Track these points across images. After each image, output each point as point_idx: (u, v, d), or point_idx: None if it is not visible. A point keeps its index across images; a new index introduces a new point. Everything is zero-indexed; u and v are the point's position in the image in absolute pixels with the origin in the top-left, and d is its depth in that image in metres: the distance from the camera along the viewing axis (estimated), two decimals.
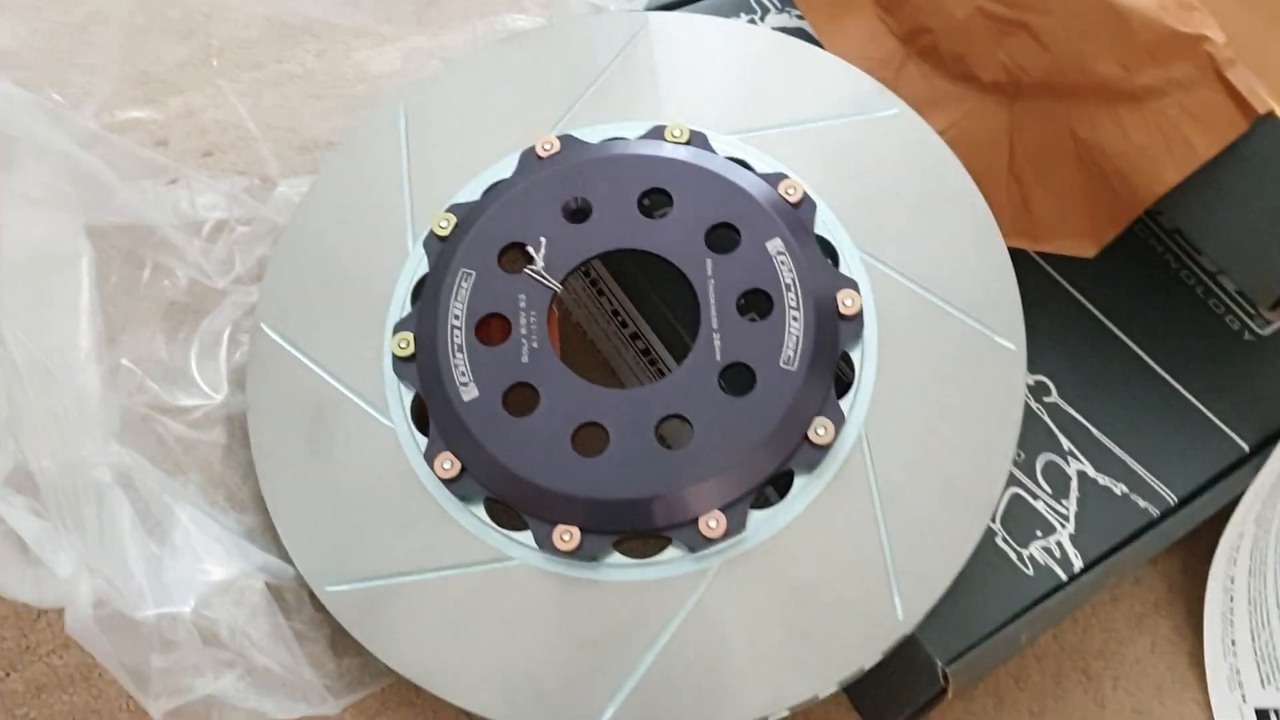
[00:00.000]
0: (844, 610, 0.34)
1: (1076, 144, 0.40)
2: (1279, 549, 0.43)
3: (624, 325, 0.42)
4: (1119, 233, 0.40)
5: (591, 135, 0.39)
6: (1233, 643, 0.43)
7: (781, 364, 0.35)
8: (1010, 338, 0.37)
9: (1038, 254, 0.44)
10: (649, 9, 0.47)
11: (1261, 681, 0.42)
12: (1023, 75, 0.40)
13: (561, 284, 0.37)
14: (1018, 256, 0.43)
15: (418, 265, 0.38)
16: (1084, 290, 0.44)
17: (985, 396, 0.36)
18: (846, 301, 0.36)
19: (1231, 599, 0.43)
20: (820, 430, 0.35)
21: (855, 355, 0.36)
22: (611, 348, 0.44)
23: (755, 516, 0.35)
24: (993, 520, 0.39)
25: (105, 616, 0.28)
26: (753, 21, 0.48)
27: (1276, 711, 0.42)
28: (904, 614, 0.34)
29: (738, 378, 0.36)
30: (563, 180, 0.38)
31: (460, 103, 0.41)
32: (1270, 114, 0.37)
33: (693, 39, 0.41)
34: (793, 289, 0.36)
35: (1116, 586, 0.44)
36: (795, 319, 0.36)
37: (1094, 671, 0.42)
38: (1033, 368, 0.42)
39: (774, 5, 0.48)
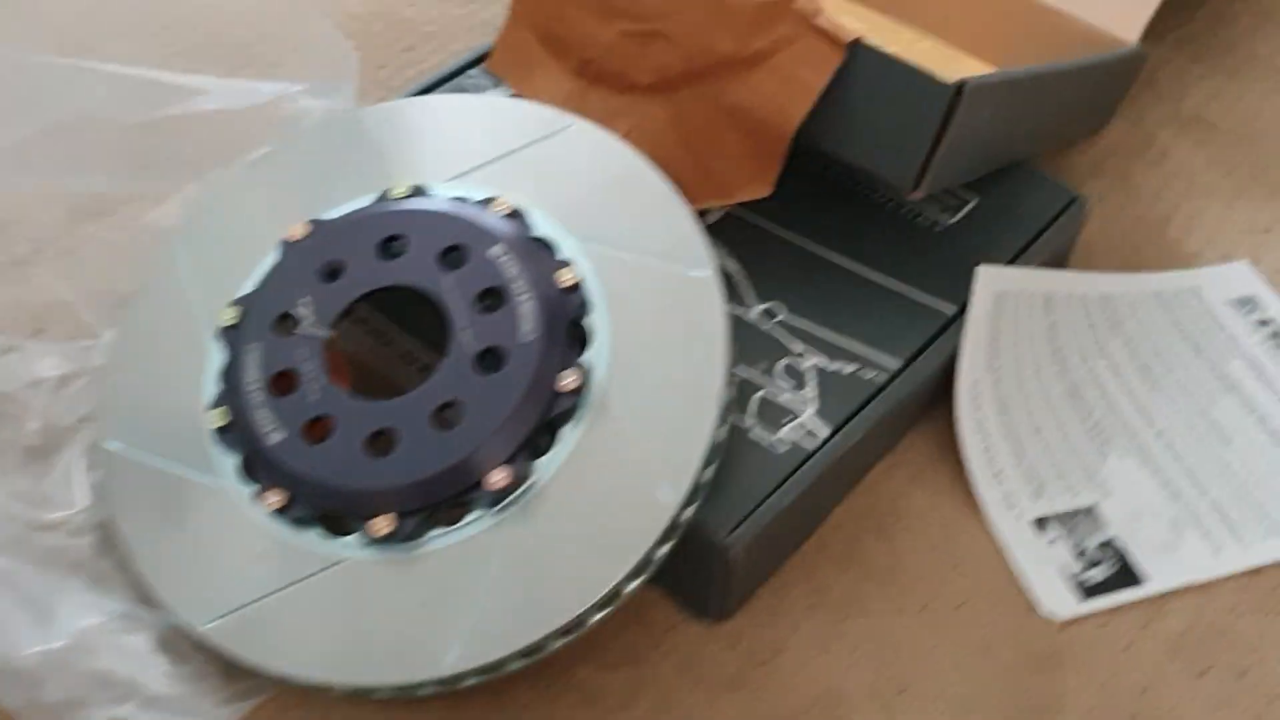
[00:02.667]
0: (623, 513, 0.40)
1: (726, 112, 0.48)
2: (1018, 386, 0.50)
3: (411, 361, 0.49)
4: (780, 169, 0.48)
5: (334, 213, 0.47)
6: (999, 472, 0.49)
7: (522, 339, 0.42)
8: (701, 269, 0.44)
9: (753, 211, 0.52)
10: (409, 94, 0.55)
11: (1033, 497, 0.48)
12: (669, 72, 0.49)
13: (332, 330, 0.44)
14: (737, 221, 0.51)
15: (219, 355, 0.45)
16: (798, 230, 0.52)
17: (694, 317, 0.43)
18: (565, 278, 0.43)
19: (988, 436, 0.50)
20: (567, 381, 0.42)
21: (590, 318, 0.43)
22: (406, 379, 0.51)
23: (539, 464, 0.41)
24: (744, 417, 0.45)
25: None
26: None
27: (1051, 514, 0.48)
28: (668, 499, 0.40)
29: (491, 359, 0.42)
30: (316, 252, 0.45)
31: (224, 222, 0.48)
32: (856, 40, 0.46)
33: (402, 118, 0.49)
34: (518, 279, 0.43)
35: (891, 455, 0.50)
36: (525, 302, 0.43)
37: (886, 526, 0.48)
38: (762, 297, 0.49)
39: (490, 84, 0.57)
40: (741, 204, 0.52)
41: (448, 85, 0.56)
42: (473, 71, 0.57)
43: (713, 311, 0.43)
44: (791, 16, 0.46)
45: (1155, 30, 0.69)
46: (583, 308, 0.43)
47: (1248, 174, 0.62)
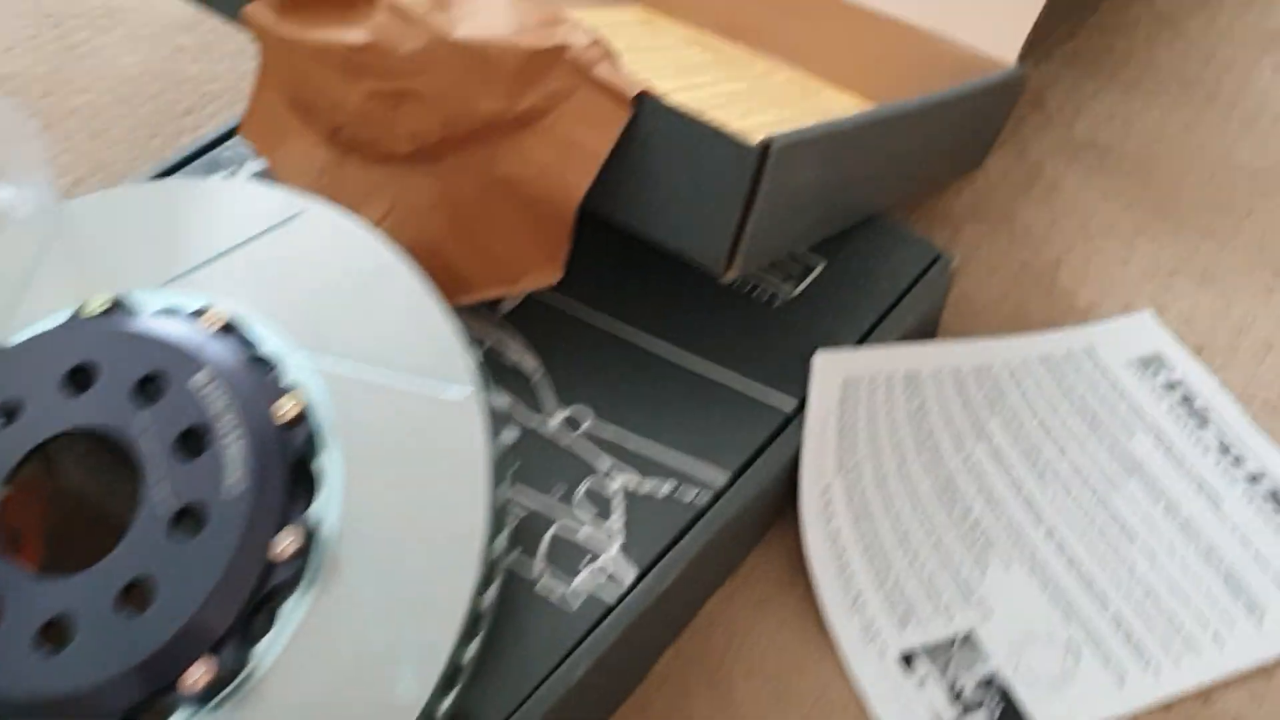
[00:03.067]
0: (359, 709, 0.32)
1: (499, 184, 0.39)
2: (878, 486, 0.42)
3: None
4: (568, 250, 0.39)
5: (20, 338, 0.38)
6: (857, 597, 0.41)
7: (227, 493, 0.33)
8: (459, 387, 0.35)
9: (558, 292, 0.44)
10: (150, 179, 0.46)
11: (899, 624, 0.40)
12: (427, 138, 0.40)
13: (7, 487, 0.35)
14: (537, 306, 0.43)
15: None
16: (611, 312, 0.43)
17: (450, 451, 0.34)
18: (286, 409, 0.35)
19: (842, 554, 0.41)
20: (285, 545, 0.33)
21: (321, 459, 0.35)
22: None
23: (260, 647, 0.33)
24: (531, 563, 0.37)
25: None
26: (230, 176, 0.47)
27: (920, 648, 0.40)
28: (411, 695, 0.31)
29: (189, 520, 0.33)
30: None
31: None
32: (643, 94, 0.37)
33: (107, 213, 0.40)
34: (226, 415, 0.34)
35: (733, 578, 0.42)
36: (233, 443, 0.34)
37: (723, 673, 0.39)
38: (564, 401, 0.41)
39: (250, 156, 0.48)
40: None
41: (202, 160, 0.47)
42: (233, 141, 0.48)
43: (473, 443, 0.34)
44: (565, 67, 0.38)
45: (1040, 45, 0.62)
46: (310, 445, 0.35)
47: (1151, 206, 0.55)
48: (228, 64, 0.58)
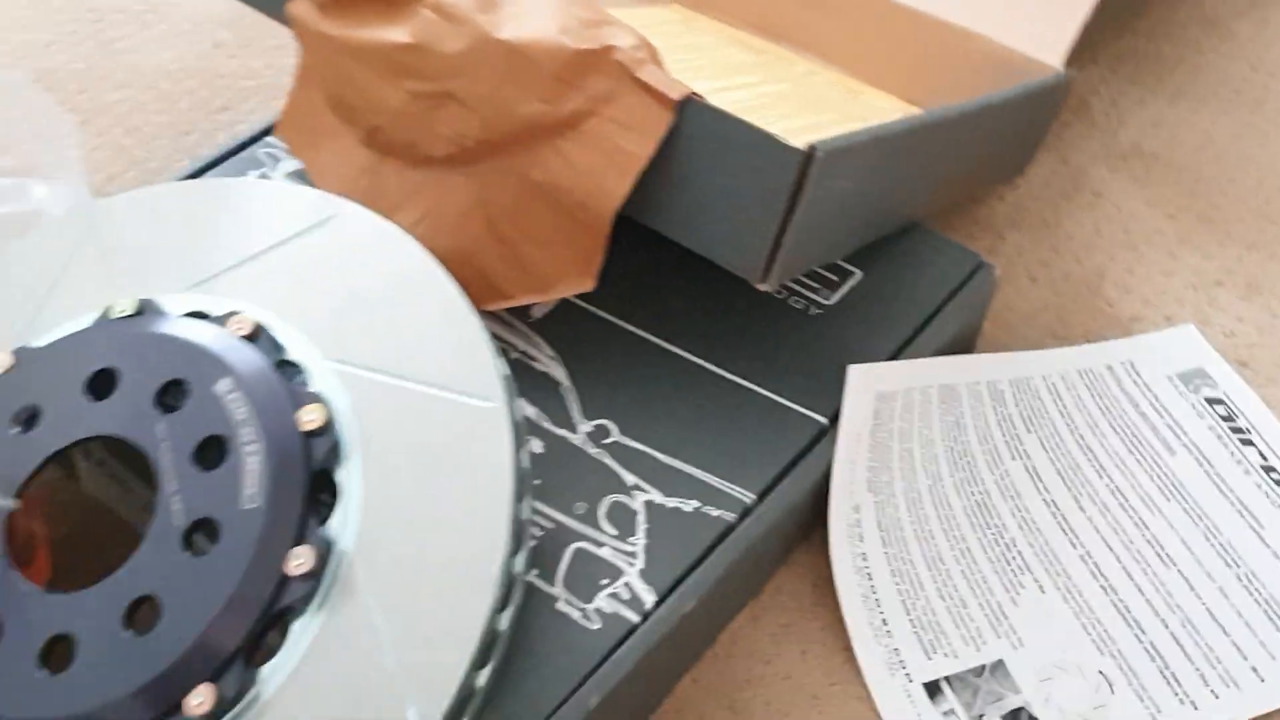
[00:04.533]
0: None
1: (536, 189, 0.37)
2: (910, 507, 0.39)
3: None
4: (602, 258, 0.36)
5: (46, 339, 0.36)
6: (884, 623, 0.38)
7: (244, 506, 0.31)
8: (485, 396, 0.33)
9: (590, 299, 0.41)
10: (184, 177, 0.44)
11: (926, 652, 0.37)
12: (465, 141, 0.37)
13: (18, 497, 0.33)
14: (570, 312, 0.40)
15: None
16: (642, 321, 0.40)
17: (471, 464, 0.32)
18: (308, 418, 0.32)
19: (870, 578, 0.38)
20: (300, 561, 0.31)
21: (340, 470, 0.32)
22: None
23: (266, 669, 0.30)
24: (552, 580, 0.34)
25: None
26: (265, 175, 0.45)
27: (946, 678, 0.37)
28: None
29: (203, 535, 0.31)
30: (12, 393, 0.34)
31: None
32: (688, 98, 0.35)
33: (138, 213, 0.38)
34: (248, 423, 0.32)
35: (756, 601, 0.39)
36: (253, 454, 0.31)
37: (741, 703, 0.36)
38: (591, 413, 0.38)
39: (285, 154, 0.45)
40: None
41: (238, 158, 0.45)
42: (270, 139, 0.46)
43: (497, 458, 0.32)
44: (609, 69, 0.35)
45: (1086, 49, 0.58)
46: (333, 456, 0.32)
47: (1195, 215, 0.51)
48: (265, 60, 0.56)
